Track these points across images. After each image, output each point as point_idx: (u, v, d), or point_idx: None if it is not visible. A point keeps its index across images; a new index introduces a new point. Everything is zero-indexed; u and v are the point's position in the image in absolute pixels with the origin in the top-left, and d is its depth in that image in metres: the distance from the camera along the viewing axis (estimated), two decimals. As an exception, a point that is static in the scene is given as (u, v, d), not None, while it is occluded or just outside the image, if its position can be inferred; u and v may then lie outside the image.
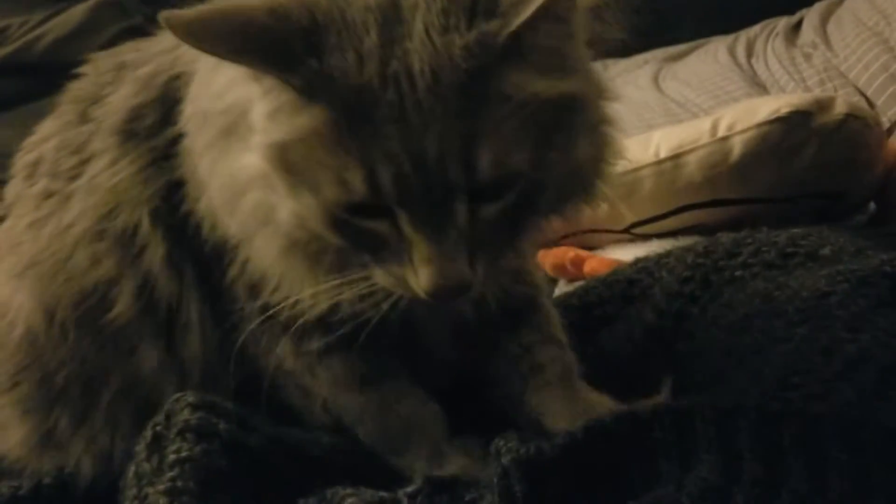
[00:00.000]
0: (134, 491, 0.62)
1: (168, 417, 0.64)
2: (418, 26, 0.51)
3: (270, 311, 0.62)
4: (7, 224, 0.75)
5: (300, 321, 0.62)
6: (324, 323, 0.63)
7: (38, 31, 1.73)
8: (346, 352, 0.65)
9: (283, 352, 0.67)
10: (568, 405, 0.66)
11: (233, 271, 0.65)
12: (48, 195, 0.72)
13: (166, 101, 0.67)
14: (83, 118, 0.73)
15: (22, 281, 0.72)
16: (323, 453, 0.66)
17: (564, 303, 0.83)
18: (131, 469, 0.64)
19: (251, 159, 0.56)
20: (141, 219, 0.67)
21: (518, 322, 0.70)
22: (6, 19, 1.74)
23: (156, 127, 0.68)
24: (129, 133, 0.69)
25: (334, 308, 0.61)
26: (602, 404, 0.65)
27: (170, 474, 0.60)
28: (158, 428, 0.64)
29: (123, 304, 0.68)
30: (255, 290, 0.64)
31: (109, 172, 0.69)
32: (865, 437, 0.52)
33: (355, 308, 0.60)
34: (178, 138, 0.65)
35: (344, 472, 0.64)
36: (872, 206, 1.08)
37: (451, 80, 0.50)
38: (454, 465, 0.63)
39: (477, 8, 0.52)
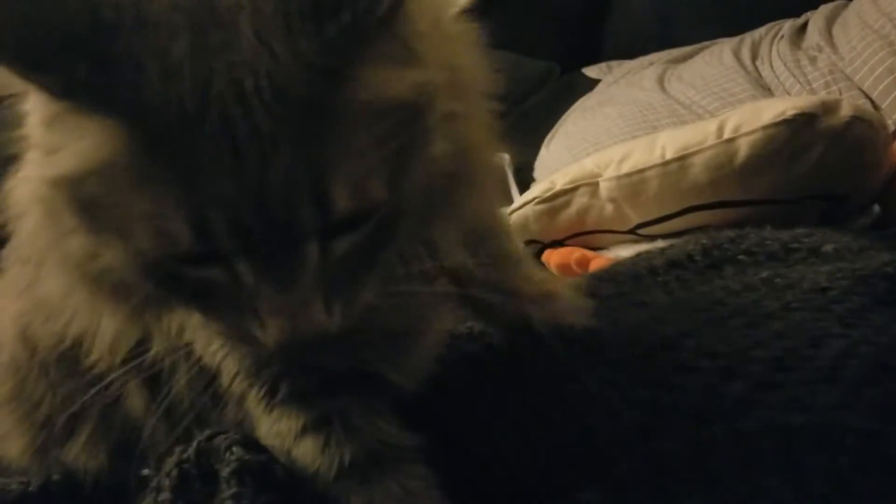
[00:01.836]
0: None
1: (201, 456, 0.56)
2: (245, 31, 0.40)
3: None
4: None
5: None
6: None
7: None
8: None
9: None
10: None
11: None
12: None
13: None
14: None
15: (10, 303, 0.69)
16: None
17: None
18: None
19: (28, 177, 0.47)
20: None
21: None
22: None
23: None
24: None
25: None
26: None
27: None
28: (186, 466, 0.55)
29: (101, 350, 0.60)
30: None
31: None
32: (844, 440, 0.51)
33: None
34: None
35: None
36: (876, 208, 1.08)
37: (297, 95, 0.40)
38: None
39: (324, 3, 0.41)
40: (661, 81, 1.55)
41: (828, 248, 0.81)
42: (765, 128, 0.99)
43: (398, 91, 0.43)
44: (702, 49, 1.68)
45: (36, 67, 0.40)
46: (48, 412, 0.70)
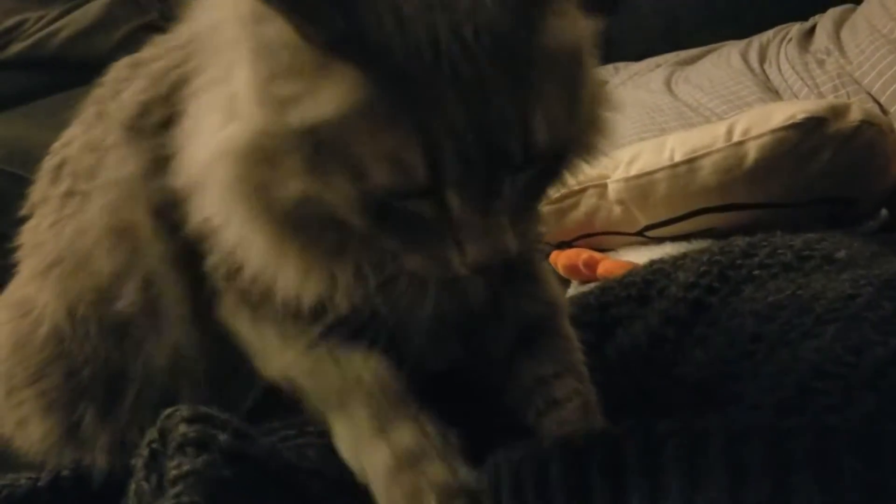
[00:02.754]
0: None
1: (162, 434, 0.61)
2: None
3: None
4: (31, 224, 0.76)
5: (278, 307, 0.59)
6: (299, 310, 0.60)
7: (54, 27, 1.74)
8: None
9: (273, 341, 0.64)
10: None
11: (212, 258, 0.62)
12: (71, 195, 0.73)
13: (173, 98, 0.65)
14: (100, 116, 0.72)
15: (46, 279, 0.72)
16: (316, 462, 0.64)
17: (581, 301, 0.83)
18: (131, 488, 0.62)
19: (238, 130, 0.51)
20: (142, 216, 0.66)
21: (534, 348, 0.67)
22: (23, 14, 1.75)
23: (162, 124, 0.65)
24: (136, 129, 0.67)
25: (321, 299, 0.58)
26: None
27: (174, 491, 0.56)
28: (154, 445, 0.60)
29: (128, 300, 0.68)
30: (237, 273, 0.60)
31: (118, 168, 0.68)
32: (882, 448, 0.50)
33: (347, 300, 0.58)
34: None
35: (336, 480, 0.61)
36: (884, 212, 1.08)
37: (503, 41, 0.46)
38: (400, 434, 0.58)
39: None
40: (668, 83, 1.55)
41: (840, 254, 0.81)
42: (774, 131, 0.99)
43: (570, 37, 0.50)
44: (709, 51, 1.67)
45: (308, 19, 0.45)
46: (89, 379, 0.71)
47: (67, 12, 1.77)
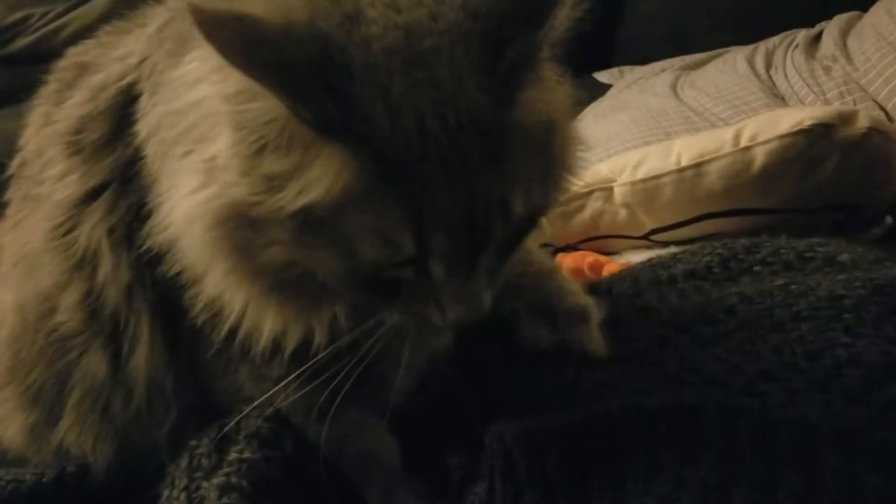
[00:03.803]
0: (184, 482, 0.64)
1: (239, 423, 0.66)
2: (444, 72, 0.48)
3: (232, 339, 0.62)
4: (3, 224, 0.77)
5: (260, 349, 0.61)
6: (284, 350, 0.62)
7: (59, 22, 1.75)
8: (304, 382, 0.63)
9: (241, 377, 0.67)
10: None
11: (192, 300, 0.62)
12: (26, 198, 0.73)
13: (114, 116, 0.66)
14: (46, 121, 0.72)
15: (8, 280, 0.73)
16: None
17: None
18: (183, 461, 0.66)
19: (217, 193, 0.52)
20: (92, 235, 0.66)
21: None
22: (28, 9, 1.76)
23: (103, 143, 0.66)
24: (74, 145, 0.67)
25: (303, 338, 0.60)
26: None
27: (226, 470, 0.61)
28: (227, 430, 0.66)
29: (68, 312, 0.68)
30: (216, 319, 0.62)
31: (60, 184, 0.68)
32: (857, 446, 0.52)
33: (328, 338, 0.60)
34: (133, 160, 0.64)
35: None
36: (889, 219, 1.08)
37: (486, 125, 0.48)
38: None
39: (499, 35, 0.49)
40: (674, 88, 1.55)
41: (843, 257, 0.82)
42: (782, 137, 0.99)
43: (545, 107, 0.52)
44: (715, 56, 1.68)
45: (301, 100, 0.47)
46: (39, 383, 0.72)
47: (73, 8, 1.77)
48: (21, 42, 1.73)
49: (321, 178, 0.48)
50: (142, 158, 0.62)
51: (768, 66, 1.47)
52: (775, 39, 1.57)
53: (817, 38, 1.50)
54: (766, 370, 0.60)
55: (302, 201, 0.48)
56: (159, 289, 0.65)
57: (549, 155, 0.54)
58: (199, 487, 0.62)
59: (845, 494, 0.50)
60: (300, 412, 0.67)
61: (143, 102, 0.63)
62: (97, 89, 0.67)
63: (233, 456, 0.63)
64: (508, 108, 0.49)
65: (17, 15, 1.74)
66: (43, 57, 1.74)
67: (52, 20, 1.74)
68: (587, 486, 0.55)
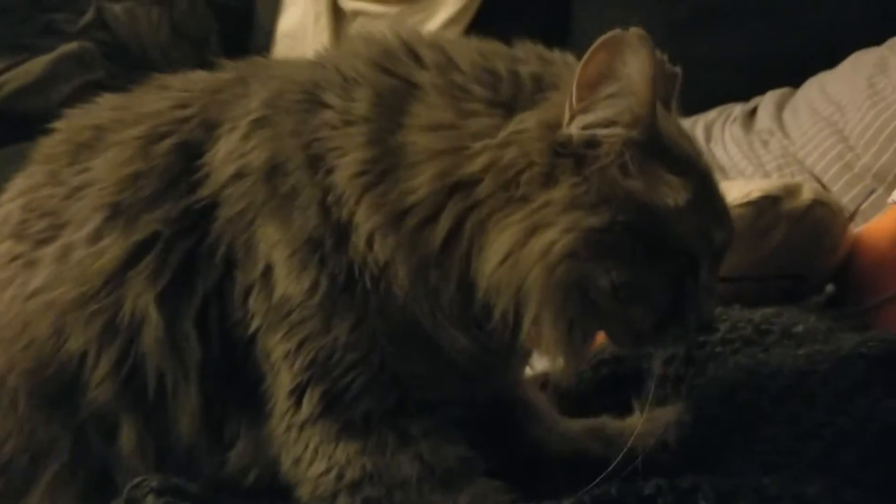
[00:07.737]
0: None
1: (130, 503, 0.63)
2: None
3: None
4: None
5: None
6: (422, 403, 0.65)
7: (-3, 81, 1.71)
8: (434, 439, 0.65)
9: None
10: None
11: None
12: (12, 257, 0.69)
13: (171, 169, 0.65)
14: (55, 180, 0.70)
15: None
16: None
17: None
18: None
19: (560, 233, 0.59)
20: (139, 301, 0.65)
21: None
22: (-33, 68, 1.72)
23: (156, 198, 0.65)
24: (117, 206, 0.66)
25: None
26: None
27: None
28: None
29: (98, 378, 0.66)
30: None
31: (92, 249, 0.66)
32: None
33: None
34: (206, 209, 0.64)
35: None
36: (830, 287, 1.12)
37: None
38: None
39: None
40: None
41: (798, 328, 0.84)
42: (731, 208, 1.01)
43: None
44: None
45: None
46: (9, 454, 0.68)
47: (11, 67, 1.74)
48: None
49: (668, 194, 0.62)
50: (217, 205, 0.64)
51: (708, 139, 1.51)
52: (713, 113, 1.62)
53: (753, 112, 1.55)
54: (769, 462, 0.64)
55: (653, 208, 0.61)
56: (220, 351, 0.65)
57: None
58: None
59: None
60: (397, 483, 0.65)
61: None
62: (141, 144, 0.67)
63: None
64: None
65: (-47, 73, 1.70)
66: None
67: (-9, 79, 1.71)
68: None
